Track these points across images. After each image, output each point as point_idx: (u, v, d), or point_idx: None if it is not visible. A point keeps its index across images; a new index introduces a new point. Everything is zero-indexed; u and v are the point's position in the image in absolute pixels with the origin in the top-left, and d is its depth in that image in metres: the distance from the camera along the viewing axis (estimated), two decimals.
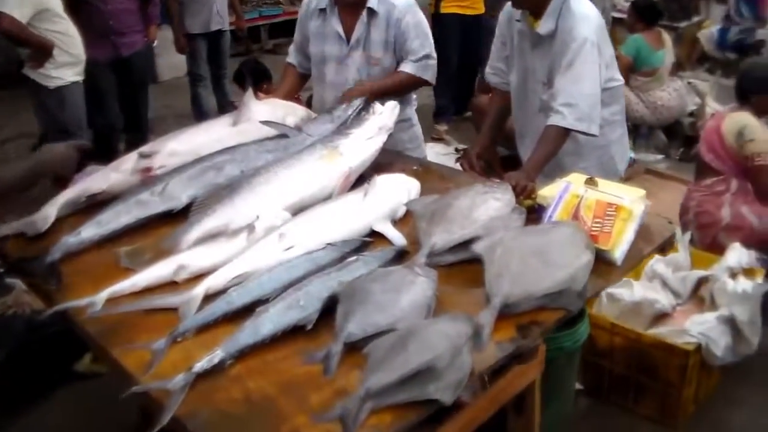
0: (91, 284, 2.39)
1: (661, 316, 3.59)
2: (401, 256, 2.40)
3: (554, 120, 3.14)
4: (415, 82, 3.54)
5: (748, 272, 3.62)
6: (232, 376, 1.92)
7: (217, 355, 1.93)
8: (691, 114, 6.57)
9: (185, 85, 7.25)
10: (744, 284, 3.38)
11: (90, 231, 2.65)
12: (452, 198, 2.52)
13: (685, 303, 3.68)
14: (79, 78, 4.99)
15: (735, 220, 4.01)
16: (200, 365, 1.90)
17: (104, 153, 5.38)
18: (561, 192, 2.56)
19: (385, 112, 3.07)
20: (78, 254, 2.59)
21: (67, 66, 4.85)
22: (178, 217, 2.75)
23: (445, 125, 6.97)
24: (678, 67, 7.05)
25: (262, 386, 1.87)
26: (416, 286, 2.07)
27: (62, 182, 2.57)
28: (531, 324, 2.09)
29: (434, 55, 3.53)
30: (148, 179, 2.95)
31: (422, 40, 3.46)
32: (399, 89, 3.47)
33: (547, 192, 2.63)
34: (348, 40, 3.49)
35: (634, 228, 2.42)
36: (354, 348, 1.95)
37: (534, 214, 2.64)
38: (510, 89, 3.59)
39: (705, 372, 3.37)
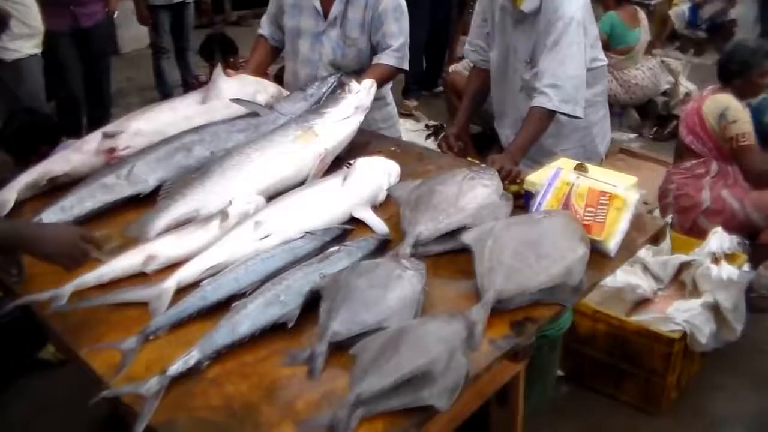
0: (54, 275, 2.21)
1: (643, 301, 3.53)
2: (385, 246, 2.28)
3: (539, 101, 3.03)
4: (394, 74, 3.40)
5: (730, 257, 3.57)
6: (210, 380, 1.78)
7: (192, 356, 1.79)
8: (665, 93, 6.51)
9: (147, 57, 7.01)
10: (729, 271, 3.32)
11: (52, 217, 2.49)
12: (437, 183, 2.39)
13: (666, 288, 3.62)
14: (37, 50, 4.75)
15: (715, 203, 3.95)
16: (175, 368, 1.76)
17: (68, 127, 5.22)
18: (550, 178, 2.44)
19: (362, 91, 2.93)
20: None
21: (24, 38, 4.60)
22: (146, 201, 2.61)
23: (414, 101, 6.83)
24: (649, 46, 6.98)
25: (242, 391, 1.74)
26: (404, 281, 1.95)
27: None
28: (525, 320, 1.98)
29: (408, 40, 3.39)
30: (112, 161, 2.80)
31: (399, 25, 3.30)
32: (382, 83, 3.32)
33: (536, 178, 2.51)
34: (325, 16, 3.32)
35: (628, 218, 2.31)
36: (340, 347, 1.83)
37: (520, 200, 2.54)
38: (489, 67, 3.47)
39: (688, 359, 3.31)
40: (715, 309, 3.31)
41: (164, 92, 6.78)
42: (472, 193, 2.33)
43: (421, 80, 7.06)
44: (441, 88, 6.90)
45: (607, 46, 6.15)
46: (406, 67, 3.36)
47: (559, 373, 3.35)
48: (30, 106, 4.58)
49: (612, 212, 2.31)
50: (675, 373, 3.23)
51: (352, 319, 1.84)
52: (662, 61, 6.66)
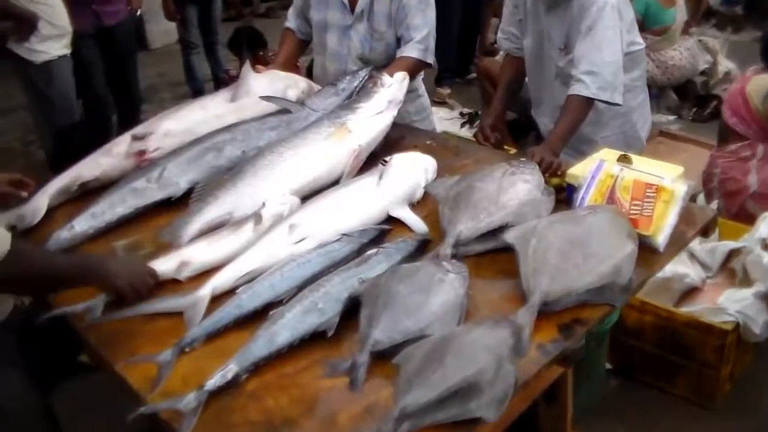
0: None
1: (691, 291, 3.41)
2: (424, 245, 2.20)
3: (576, 89, 2.94)
4: (419, 67, 3.29)
5: None
6: (249, 393, 1.73)
7: (230, 369, 1.73)
8: (703, 73, 6.32)
9: (177, 52, 6.96)
10: None
11: (84, 224, 2.46)
12: (476, 180, 2.31)
13: (715, 276, 3.49)
14: (67, 51, 4.70)
15: (763, 187, 3.81)
16: (213, 382, 1.70)
17: (97, 126, 5.19)
18: (593, 171, 2.34)
19: (394, 84, 2.86)
20: (72, 249, 2.39)
21: (52, 39, 4.56)
22: (178, 204, 2.57)
23: (447, 89, 6.71)
24: (686, 25, 6.80)
25: (282, 405, 1.68)
26: (446, 285, 1.87)
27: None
28: (573, 323, 1.90)
29: (434, 31, 3.30)
30: (143, 163, 2.77)
31: (424, 16, 3.20)
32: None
33: (578, 171, 2.42)
34: (352, 9, 3.24)
35: (676, 211, 2.22)
36: (381, 356, 1.76)
37: (562, 194, 2.44)
38: (523, 55, 3.37)
39: (741, 350, 3.19)
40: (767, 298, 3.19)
41: (195, 87, 6.74)
42: (513, 189, 2.24)
43: (454, 67, 6.94)
44: (474, 75, 6.77)
45: (643, 26, 5.97)
46: (430, 60, 3.27)
47: (608, 366, 3.25)
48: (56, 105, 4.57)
49: (659, 205, 2.22)
50: (728, 365, 3.12)
51: (393, 326, 1.77)
52: (699, 41, 6.47)
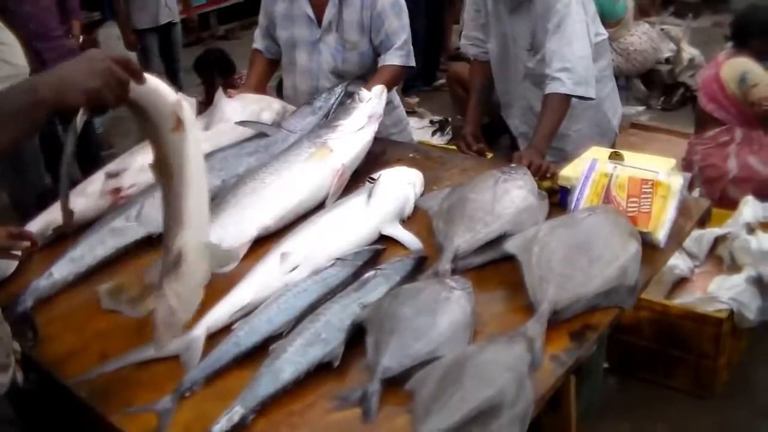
0: (72, 333, 2.10)
1: (681, 281, 3.40)
2: (421, 263, 2.13)
3: (553, 87, 2.89)
4: (403, 73, 3.24)
5: (766, 226, 3.42)
6: None
7: (236, 412, 1.65)
8: (668, 61, 6.34)
9: None
10: None
11: (63, 270, 2.35)
12: (468, 191, 2.25)
13: (702, 264, 3.48)
14: None
15: (743, 171, 3.81)
16: (219, 427, 1.62)
17: (54, 166, 5.05)
18: (586, 171, 2.29)
19: (373, 99, 2.79)
20: (52, 298, 2.29)
21: (10, 79, 4.41)
22: (160, 242, 2.45)
23: (416, 97, 6.68)
24: (643, 14, 6.82)
25: None
26: (453, 303, 1.80)
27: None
28: (584, 329, 1.85)
29: (410, 34, 3.24)
30: (119, 201, 2.66)
31: (400, 20, 3.14)
32: (393, 85, 3.18)
33: (570, 172, 2.37)
34: (319, 22, 3.17)
35: (674, 205, 2.17)
36: (392, 383, 1.69)
37: (555, 197, 2.39)
38: (489, 58, 3.33)
39: (735, 337, 3.18)
40: (759, 282, 3.17)
41: None
42: (507, 197, 2.18)
43: (421, 76, 6.91)
44: (441, 82, 6.75)
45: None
46: (412, 63, 3.22)
47: (605, 365, 3.20)
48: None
49: (657, 200, 2.17)
50: (725, 354, 3.10)
51: (402, 351, 1.70)
52: (662, 29, 6.50)
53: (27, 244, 2.03)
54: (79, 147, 5.08)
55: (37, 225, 2.57)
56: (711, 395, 3.14)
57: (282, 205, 2.47)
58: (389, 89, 3.02)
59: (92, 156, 5.56)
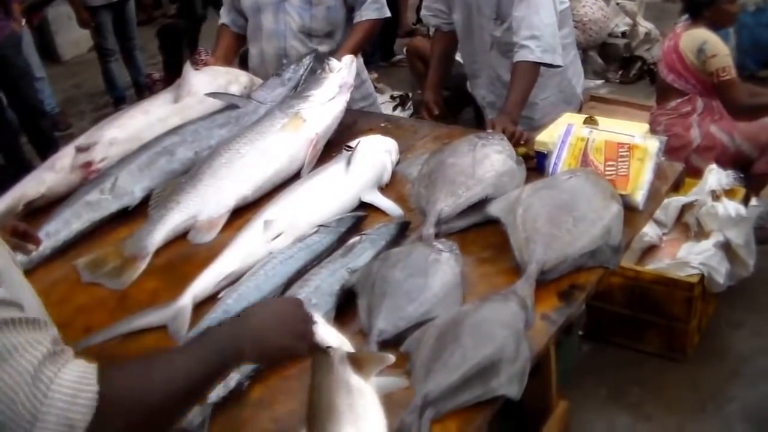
0: (53, 308, 2.03)
1: (650, 248, 3.44)
2: (404, 228, 2.14)
3: (522, 55, 2.89)
4: (379, 26, 3.23)
5: (729, 193, 3.49)
6: (256, 402, 1.64)
7: (231, 378, 1.63)
8: (624, 35, 6.41)
9: (91, 61, 6.74)
10: (736, 207, 3.25)
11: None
12: (448, 156, 2.25)
13: (670, 232, 3.53)
14: None
15: (705, 140, 3.86)
16: (216, 393, 1.60)
17: (8, 155, 4.95)
18: (563, 136, 2.32)
19: (343, 69, 2.78)
20: (30, 273, 2.23)
21: None
22: (135, 214, 2.44)
23: (374, 73, 6.64)
24: None
25: (293, 409, 1.59)
26: (443, 265, 1.82)
27: None
28: (572, 289, 1.88)
29: None
30: (90, 175, 2.62)
31: None
32: (371, 40, 3.17)
33: (546, 138, 2.39)
34: None
35: (651, 167, 2.21)
36: (385, 345, 1.69)
37: (531, 162, 2.41)
38: (452, 29, 3.32)
39: (706, 301, 3.24)
40: (726, 247, 3.24)
41: (116, 95, 6.51)
42: (487, 161, 2.19)
43: (378, 51, 6.88)
44: (399, 57, 6.73)
45: None
46: (387, 14, 3.23)
47: (579, 332, 3.25)
48: None
49: (634, 163, 2.21)
50: (696, 317, 3.16)
51: (396, 314, 1.71)
52: (617, 4, 6.56)
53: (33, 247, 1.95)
54: (31, 129, 4.98)
55: (5, 201, 2.52)
56: (683, 358, 3.20)
57: (259, 174, 2.46)
58: (368, 43, 3.00)
59: (46, 137, 5.45)
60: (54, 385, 0.99)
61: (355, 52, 3.02)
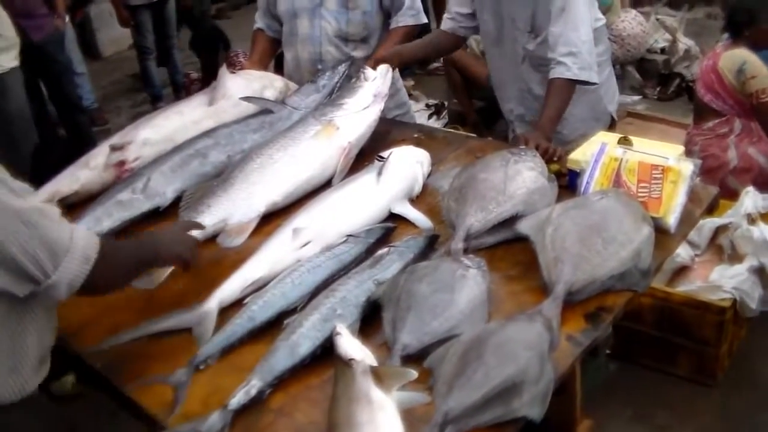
0: (81, 306, 2.08)
1: (681, 269, 3.40)
2: (433, 241, 2.13)
3: (559, 72, 2.85)
4: (416, 33, 3.22)
5: (765, 217, 3.44)
6: (276, 410, 1.64)
7: (253, 385, 1.65)
8: (663, 51, 6.35)
9: (130, 59, 6.80)
10: None
11: None
12: (480, 170, 2.24)
13: (703, 253, 3.48)
14: (16, 63, 4.50)
15: (742, 162, 3.81)
16: (236, 400, 1.62)
17: (47, 145, 5.01)
18: (596, 155, 2.29)
19: (378, 78, 2.78)
20: None
21: (2, 51, 4.37)
22: (165, 215, 2.46)
23: (410, 80, 6.65)
24: (636, 3, 6.82)
25: (314, 419, 1.60)
26: (470, 281, 1.81)
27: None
28: (599, 311, 1.86)
29: None
30: (123, 174, 2.66)
31: None
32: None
33: (579, 156, 2.37)
34: None
35: (684, 190, 2.18)
36: (409, 360, 1.69)
37: (563, 180, 2.39)
38: (462, 34, 3.25)
39: (737, 325, 3.19)
40: (760, 272, 3.19)
41: (153, 93, 6.58)
42: (519, 177, 2.18)
43: None
44: (436, 65, 6.71)
45: None
46: (424, 20, 3.23)
47: (606, 351, 3.22)
48: (12, 121, 4.39)
49: (668, 186, 2.18)
50: (727, 342, 3.11)
51: (420, 328, 1.70)
52: (657, 19, 6.50)
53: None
54: (69, 124, 5.05)
55: (40, 197, 2.55)
56: (712, 383, 3.15)
57: (290, 181, 2.47)
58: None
59: (83, 132, 5.52)
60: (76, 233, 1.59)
61: (405, 60, 3.03)
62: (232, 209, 2.36)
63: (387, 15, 3.20)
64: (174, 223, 2.27)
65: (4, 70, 4.40)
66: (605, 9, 5.93)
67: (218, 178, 2.51)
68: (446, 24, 3.26)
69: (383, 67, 2.82)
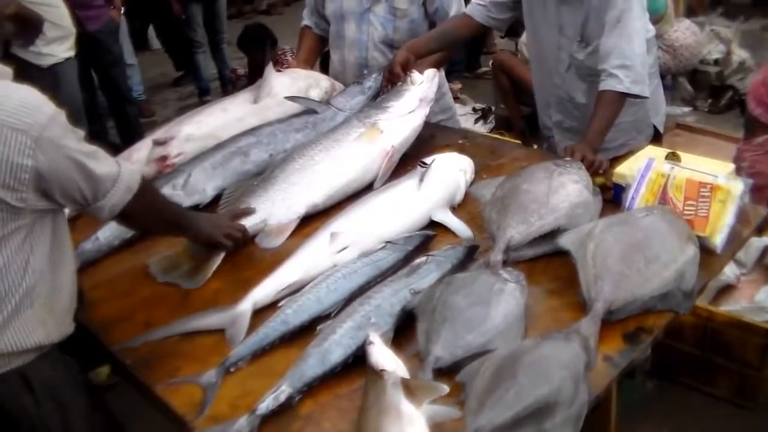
0: (117, 299, 2.10)
1: (726, 288, 3.32)
2: (472, 251, 2.10)
3: (610, 84, 2.78)
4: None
5: None
6: (304, 417, 1.62)
7: (282, 391, 1.63)
8: (716, 63, 6.22)
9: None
10: None
11: (108, 234, 2.35)
12: (523, 181, 2.20)
13: (749, 273, 3.40)
14: (72, 53, 4.56)
15: None
16: (265, 405, 1.60)
17: (94, 136, 5.06)
18: (642, 170, 2.24)
19: (425, 82, 2.76)
20: (97, 262, 2.29)
21: (57, 41, 4.42)
22: (205, 212, 2.45)
23: (458, 83, 6.61)
24: (690, 13, 6.70)
25: (342, 428, 1.58)
26: (507, 295, 1.77)
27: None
28: (639, 331, 1.81)
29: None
30: (165, 169, 2.66)
31: None
32: (453, 54, 3.16)
33: (626, 170, 2.32)
34: None
35: (734, 210, 2.12)
36: (442, 373, 1.66)
37: (607, 194, 2.34)
38: (486, 23, 3.13)
39: None
40: None
41: (201, 86, 6.64)
42: (563, 190, 2.14)
43: (463, 62, 6.83)
44: (484, 69, 6.67)
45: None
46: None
47: (646, 369, 3.16)
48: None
49: (716, 205, 2.12)
50: None
51: (454, 342, 1.67)
52: (711, 30, 6.37)
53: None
54: (118, 114, 5.10)
55: None
56: (753, 406, 3.08)
57: (331, 183, 2.45)
58: (450, 57, 2.95)
59: (131, 123, 5.57)
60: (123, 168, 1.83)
61: (436, 66, 2.99)
62: (272, 209, 2.35)
63: (432, 24, 3.16)
64: (223, 211, 2.39)
65: (58, 60, 4.47)
66: (658, 18, 5.84)
67: (259, 178, 2.50)
68: (474, 10, 3.10)
69: (430, 72, 2.80)
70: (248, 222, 2.29)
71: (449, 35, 3.17)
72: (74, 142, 1.71)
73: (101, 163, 1.76)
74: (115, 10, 5.46)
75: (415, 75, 2.76)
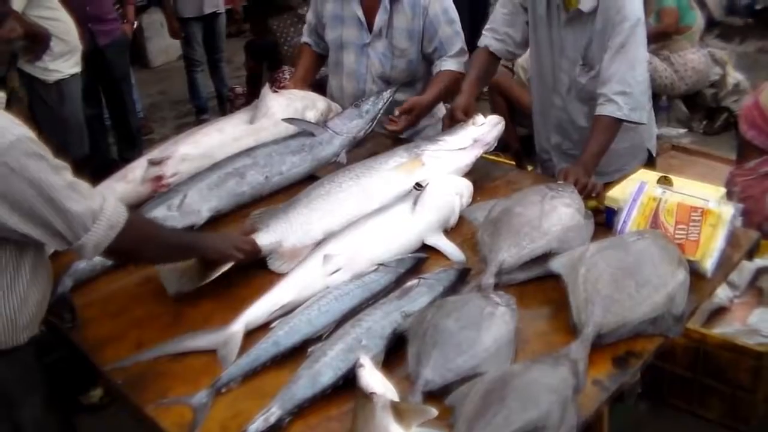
0: (109, 319, 2.11)
1: (719, 310, 3.33)
2: (464, 275, 2.11)
3: (608, 110, 2.77)
4: (459, 79, 3.13)
5: None
6: None
7: (273, 413, 1.64)
8: (713, 85, 6.25)
9: (178, 70, 6.89)
10: None
11: None
12: (515, 204, 2.22)
13: (742, 295, 3.40)
14: (77, 69, 4.57)
15: None
16: (255, 427, 1.62)
17: (95, 150, 5.08)
18: (634, 194, 2.26)
19: (486, 125, 2.71)
20: (91, 282, 2.29)
21: (64, 56, 4.41)
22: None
23: None
24: None
25: None
26: (497, 319, 1.78)
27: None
28: (628, 355, 1.82)
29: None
30: (160, 189, 2.67)
31: (453, 27, 3.12)
32: (450, 92, 3.10)
33: (618, 194, 2.34)
34: (369, 26, 3.15)
35: (724, 235, 2.14)
36: (431, 396, 1.67)
37: (600, 217, 2.36)
38: (507, 57, 3.20)
39: None
40: None
41: (199, 105, 6.66)
42: (555, 214, 2.15)
43: None
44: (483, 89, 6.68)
45: (678, 21, 5.92)
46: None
47: (638, 390, 3.16)
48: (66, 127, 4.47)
49: (706, 229, 2.14)
50: (763, 387, 3.03)
51: (445, 365, 1.68)
52: (708, 52, 6.41)
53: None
54: (121, 129, 5.11)
55: None
56: (745, 428, 3.07)
57: (353, 213, 2.38)
58: (451, 94, 2.98)
59: (133, 139, 5.59)
60: (106, 203, 1.78)
61: (431, 106, 3.03)
62: (289, 232, 2.32)
63: (429, 62, 3.19)
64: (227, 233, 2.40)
65: (63, 76, 4.46)
66: (685, 29, 5.87)
67: (287, 201, 2.49)
68: (494, 44, 3.11)
69: (495, 117, 2.78)
70: (262, 240, 2.27)
71: (488, 74, 3.23)
72: (43, 171, 1.65)
73: (79, 196, 1.71)
74: (128, 24, 5.49)
75: (479, 117, 2.74)
